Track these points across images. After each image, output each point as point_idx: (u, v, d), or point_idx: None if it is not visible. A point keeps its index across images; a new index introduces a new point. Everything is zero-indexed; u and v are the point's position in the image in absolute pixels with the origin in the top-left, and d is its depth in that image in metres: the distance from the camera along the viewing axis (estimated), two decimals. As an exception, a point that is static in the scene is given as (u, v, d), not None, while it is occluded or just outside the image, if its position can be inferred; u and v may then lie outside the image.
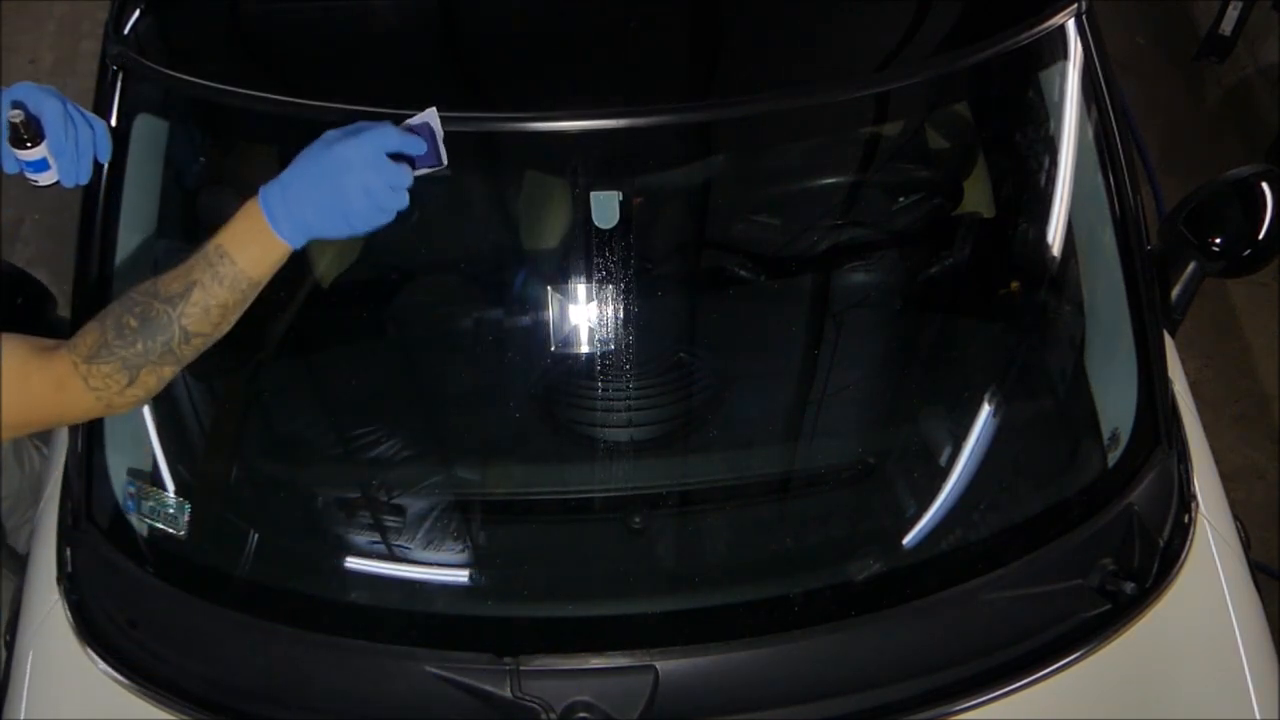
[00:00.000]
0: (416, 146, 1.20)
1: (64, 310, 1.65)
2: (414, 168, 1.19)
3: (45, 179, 1.27)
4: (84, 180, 1.28)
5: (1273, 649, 1.54)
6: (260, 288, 1.18)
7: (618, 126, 1.39)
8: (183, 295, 1.15)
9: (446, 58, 1.59)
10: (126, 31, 1.54)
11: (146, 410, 1.58)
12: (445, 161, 1.23)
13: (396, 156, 1.16)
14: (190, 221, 1.74)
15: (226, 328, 1.19)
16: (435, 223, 1.82)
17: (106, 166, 1.52)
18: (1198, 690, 1.48)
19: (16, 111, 1.22)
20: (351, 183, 1.13)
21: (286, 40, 1.59)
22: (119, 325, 1.15)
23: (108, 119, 1.54)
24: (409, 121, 1.22)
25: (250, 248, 1.15)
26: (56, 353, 1.16)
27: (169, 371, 1.18)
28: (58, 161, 1.26)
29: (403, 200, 1.16)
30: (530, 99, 1.46)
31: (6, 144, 1.24)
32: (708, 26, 1.59)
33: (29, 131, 1.23)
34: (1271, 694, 1.48)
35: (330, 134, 1.16)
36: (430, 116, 1.22)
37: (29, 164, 1.25)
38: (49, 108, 1.24)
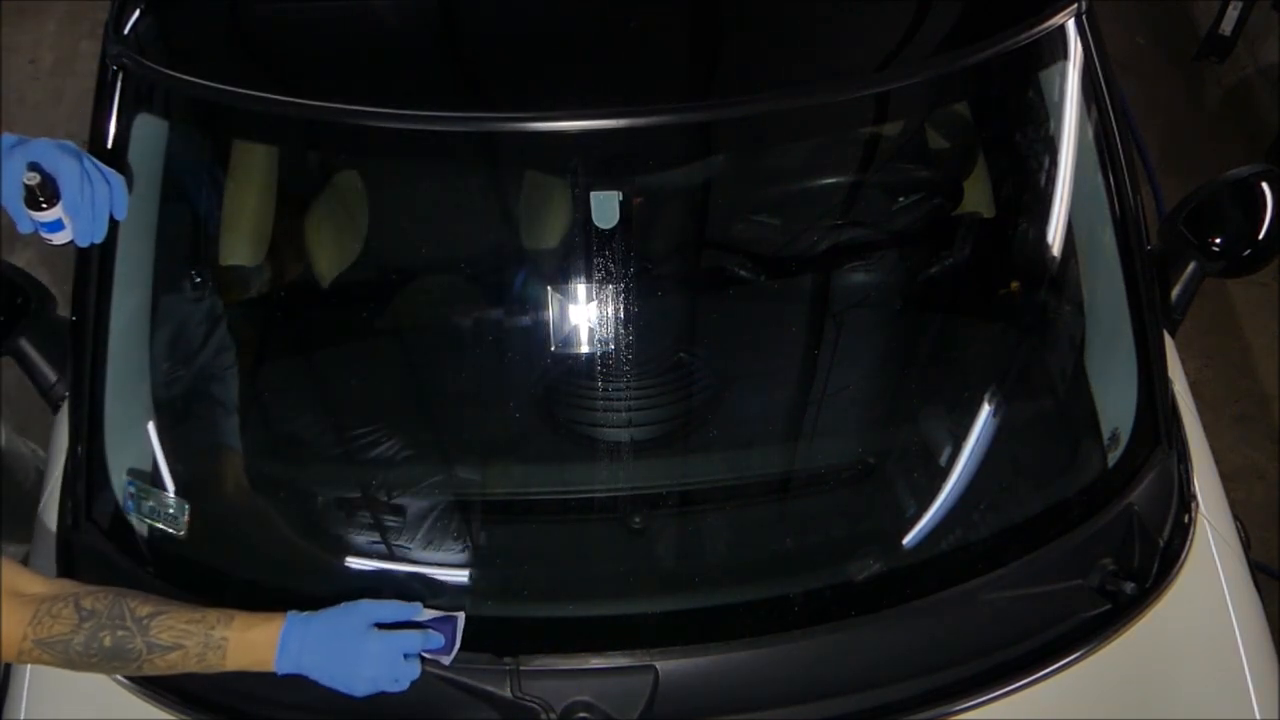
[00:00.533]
0: (435, 643, 1.29)
1: (64, 310, 1.65)
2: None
3: (60, 239, 1.27)
4: (99, 239, 1.29)
5: (1273, 649, 1.54)
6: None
7: (618, 126, 1.39)
8: (163, 649, 1.20)
9: (447, 57, 1.59)
10: (126, 31, 1.54)
11: (146, 410, 1.58)
12: (455, 653, 1.31)
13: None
14: (190, 221, 1.74)
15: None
16: (435, 223, 1.82)
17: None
18: (1198, 690, 1.48)
19: (33, 174, 1.21)
20: (362, 673, 1.24)
21: (286, 40, 1.59)
22: (91, 638, 1.19)
23: (108, 119, 1.54)
24: (436, 615, 1.31)
25: (244, 657, 1.23)
26: (20, 610, 1.18)
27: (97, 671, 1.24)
28: (74, 222, 1.26)
29: (399, 690, 1.26)
30: (530, 99, 1.46)
31: (22, 204, 1.23)
32: (708, 26, 1.59)
33: (45, 193, 1.22)
34: (1271, 694, 1.48)
35: (364, 612, 1.26)
36: (458, 621, 1.32)
37: (44, 225, 1.25)
38: (65, 168, 1.24)
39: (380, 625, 1.27)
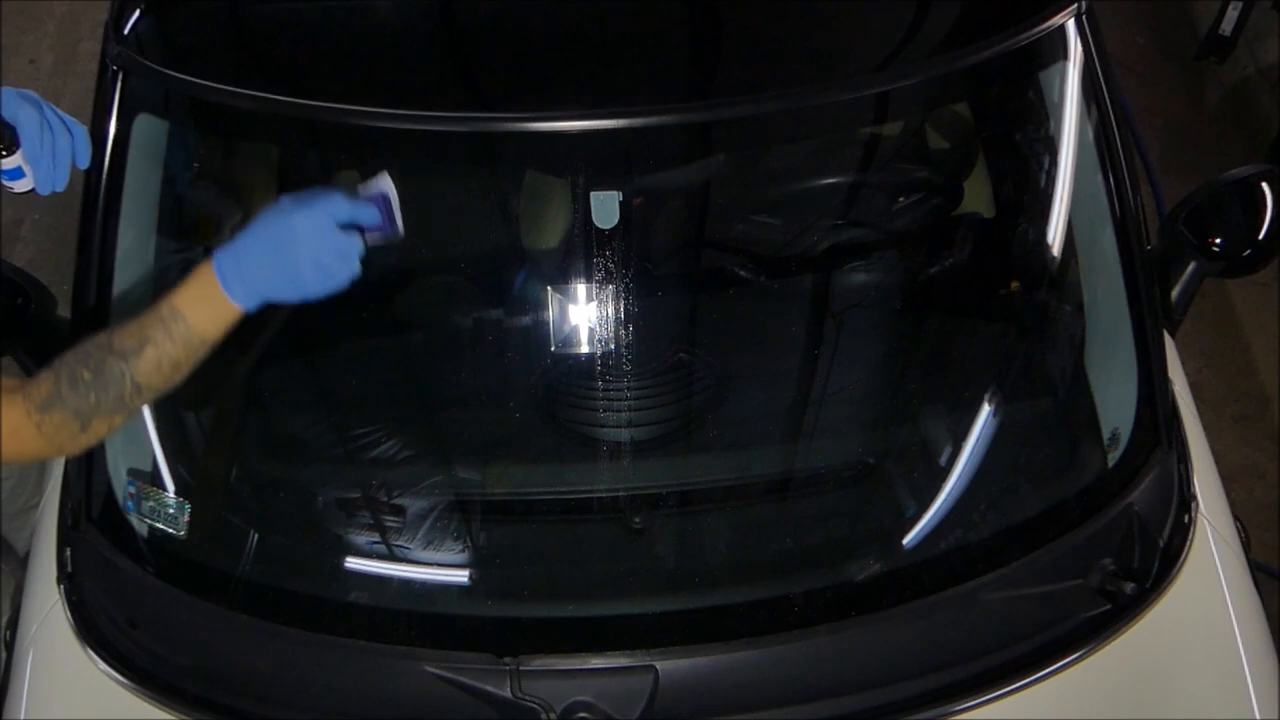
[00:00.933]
0: (369, 215, 1.23)
1: (64, 310, 1.65)
2: (366, 236, 1.22)
3: (20, 186, 1.26)
4: (59, 188, 1.28)
5: (1273, 649, 1.54)
6: (213, 345, 1.21)
7: (618, 126, 1.39)
8: (136, 351, 1.18)
9: (447, 57, 1.59)
10: (126, 31, 1.54)
11: (146, 410, 1.58)
12: (400, 230, 1.25)
13: (350, 224, 1.20)
14: (190, 221, 1.74)
15: (179, 380, 1.22)
16: (436, 223, 1.82)
17: (107, 166, 1.52)
18: (1198, 690, 1.48)
19: None
20: (301, 253, 1.17)
21: (286, 40, 1.59)
22: (72, 377, 1.17)
23: (108, 119, 1.54)
24: (363, 188, 1.24)
25: (203, 309, 1.18)
26: (12, 398, 1.17)
27: (120, 420, 1.22)
28: (33, 169, 1.26)
29: (352, 269, 1.20)
30: (530, 99, 1.46)
31: None
32: (708, 26, 1.59)
33: (3, 140, 1.22)
34: (1271, 694, 1.48)
35: (284, 201, 1.19)
36: (384, 185, 1.25)
37: (4, 172, 1.25)
38: (25, 115, 1.23)
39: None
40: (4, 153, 1.23)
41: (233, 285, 1.17)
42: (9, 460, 1.21)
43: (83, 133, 1.29)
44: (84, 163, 1.30)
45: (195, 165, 1.73)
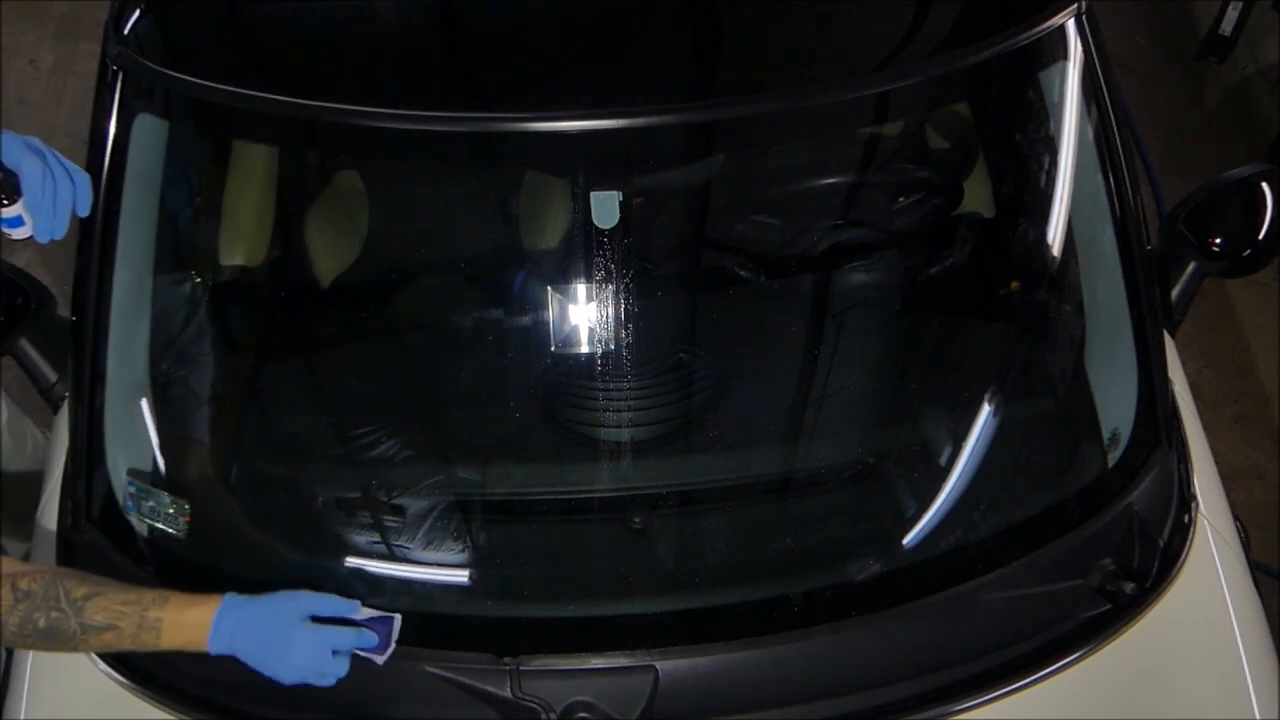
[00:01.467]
0: (368, 642, 1.31)
1: (64, 310, 1.65)
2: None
3: (19, 234, 1.27)
4: (59, 235, 1.30)
5: (1273, 649, 1.54)
6: None
7: (618, 126, 1.39)
8: (98, 629, 1.22)
9: (447, 57, 1.59)
10: (126, 31, 1.54)
11: (146, 410, 1.58)
12: (390, 653, 1.33)
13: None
14: (190, 221, 1.74)
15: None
16: (435, 223, 1.82)
17: (107, 167, 1.52)
18: (1198, 690, 1.48)
19: None
20: (291, 661, 1.26)
21: (286, 40, 1.59)
22: (26, 619, 1.20)
23: (108, 119, 1.54)
24: (372, 614, 1.33)
25: (179, 638, 1.25)
26: None
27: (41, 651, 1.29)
28: (33, 219, 1.26)
29: (326, 683, 1.28)
30: (530, 99, 1.46)
31: None
32: (708, 26, 1.59)
33: (5, 190, 1.22)
34: (1271, 694, 1.48)
35: (300, 603, 1.28)
36: (394, 624, 1.34)
37: (4, 221, 1.25)
38: (29, 164, 1.24)
39: (316, 619, 1.29)
40: (5, 202, 1.23)
41: (218, 641, 1.25)
42: None
43: (84, 180, 1.30)
44: (84, 211, 1.32)
45: (195, 165, 1.73)
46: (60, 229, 1.29)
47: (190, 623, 1.24)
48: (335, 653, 1.28)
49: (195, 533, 1.52)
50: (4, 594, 1.20)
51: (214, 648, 1.25)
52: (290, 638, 1.26)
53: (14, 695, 1.50)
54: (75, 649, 1.24)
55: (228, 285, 1.74)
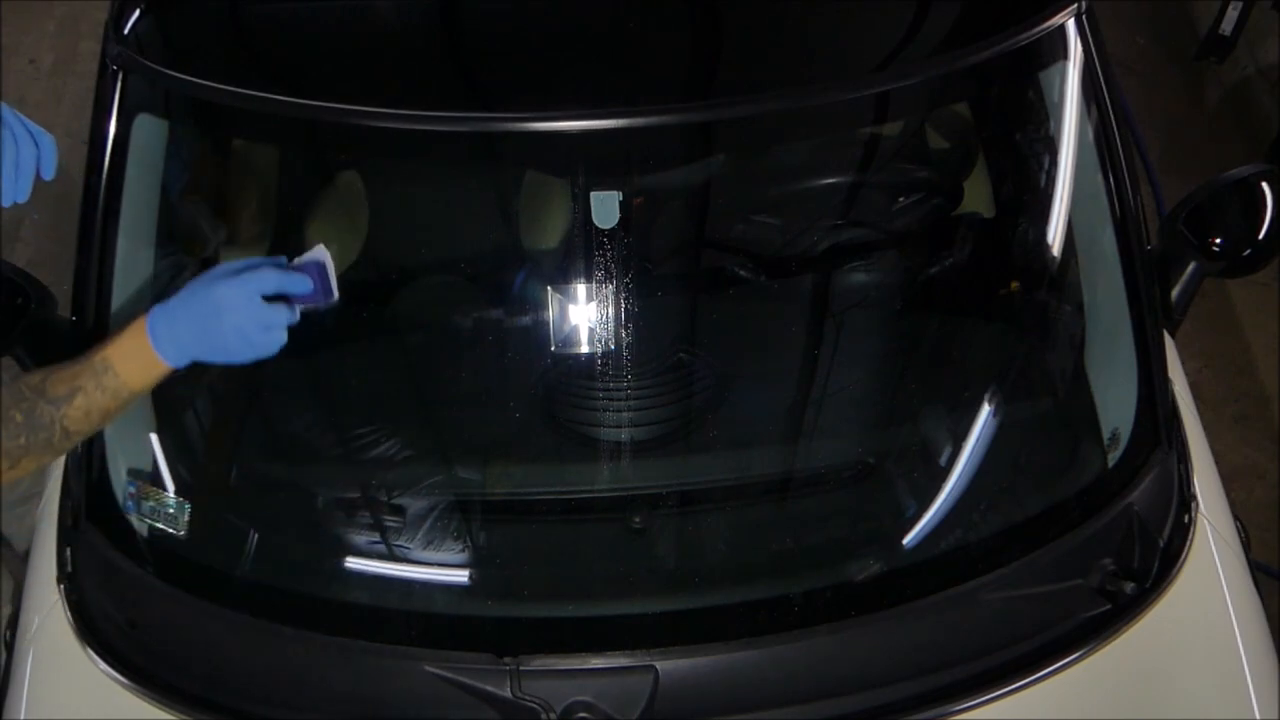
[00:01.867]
0: (300, 285, 1.26)
1: (64, 310, 1.65)
2: (294, 303, 1.25)
3: None
4: (21, 199, 1.28)
5: (1273, 649, 1.54)
6: (142, 395, 1.25)
7: (618, 126, 1.39)
8: (67, 398, 1.21)
9: (447, 57, 1.59)
10: (126, 31, 1.54)
11: (147, 410, 1.58)
12: (335, 296, 1.28)
13: (279, 295, 1.24)
14: (190, 221, 1.74)
15: (106, 426, 1.28)
16: (436, 223, 1.82)
17: (107, 167, 1.52)
18: (1198, 690, 1.48)
19: None
20: (226, 323, 1.21)
21: (286, 40, 1.59)
22: (4, 418, 1.20)
23: (108, 119, 1.54)
24: (297, 260, 1.28)
25: (133, 363, 1.22)
26: None
27: (48, 459, 1.26)
28: None
29: (278, 339, 1.24)
30: (530, 99, 1.46)
31: None
32: (708, 26, 1.59)
33: None
34: (1271, 694, 1.48)
35: (217, 270, 1.24)
36: (319, 255, 1.28)
37: None
38: None
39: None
40: None
41: (163, 345, 1.21)
42: None
43: (49, 143, 1.28)
44: (49, 174, 1.30)
45: (195, 165, 1.73)
46: (24, 192, 1.27)
47: (133, 344, 1.22)
48: (269, 300, 1.22)
49: (195, 533, 1.52)
50: None
51: (167, 356, 1.21)
52: (215, 300, 1.20)
53: (14, 695, 1.50)
54: (66, 433, 1.22)
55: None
